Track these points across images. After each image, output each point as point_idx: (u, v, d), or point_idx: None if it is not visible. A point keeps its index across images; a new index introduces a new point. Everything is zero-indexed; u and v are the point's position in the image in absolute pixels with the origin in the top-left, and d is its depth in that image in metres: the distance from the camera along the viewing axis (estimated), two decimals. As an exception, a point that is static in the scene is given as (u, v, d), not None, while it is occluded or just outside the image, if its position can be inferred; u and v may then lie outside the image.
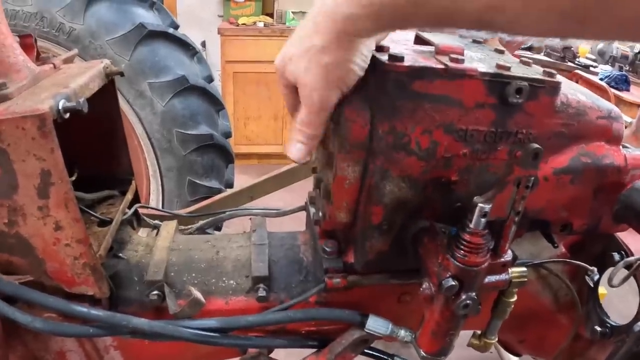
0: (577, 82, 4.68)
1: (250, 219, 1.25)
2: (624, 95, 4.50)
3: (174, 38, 2.75)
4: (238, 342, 1.00)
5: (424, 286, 0.86)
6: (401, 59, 0.77)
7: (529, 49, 5.63)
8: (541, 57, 5.53)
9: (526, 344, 1.39)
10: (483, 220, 0.76)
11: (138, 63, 2.57)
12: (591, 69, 5.23)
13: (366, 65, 0.78)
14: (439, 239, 0.84)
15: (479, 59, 0.86)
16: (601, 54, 5.46)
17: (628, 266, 1.05)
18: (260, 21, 5.29)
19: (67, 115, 0.83)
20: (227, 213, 1.34)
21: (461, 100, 0.79)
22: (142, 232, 1.32)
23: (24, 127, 0.78)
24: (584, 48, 5.50)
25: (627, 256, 1.10)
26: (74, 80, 0.94)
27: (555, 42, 0.68)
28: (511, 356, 1.66)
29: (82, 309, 0.93)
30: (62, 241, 0.90)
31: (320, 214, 0.98)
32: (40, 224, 0.88)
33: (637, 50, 5.00)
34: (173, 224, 1.23)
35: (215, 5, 5.91)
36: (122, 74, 1.11)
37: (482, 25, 0.63)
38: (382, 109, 0.79)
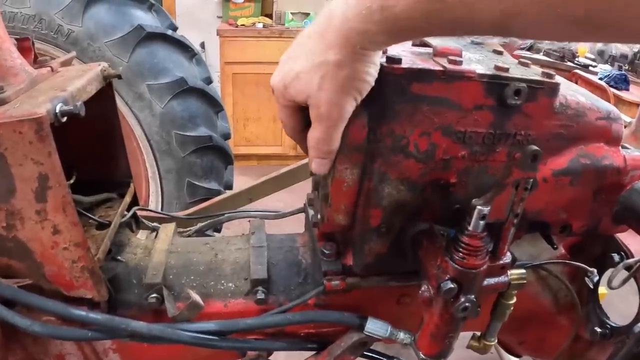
0: (576, 81, 4.69)
1: (249, 221, 1.25)
2: (623, 94, 4.50)
3: (173, 40, 2.74)
4: (237, 345, 1.00)
5: (422, 289, 0.86)
6: (399, 61, 0.76)
7: (528, 48, 5.62)
8: (540, 56, 5.53)
9: (526, 345, 1.38)
10: (482, 222, 0.76)
11: (137, 65, 2.57)
12: (590, 68, 5.22)
13: (377, 71, 0.77)
14: (438, 241, 0.84)
15: (478, 61, 0.86)
16: (600, 53, 5.46)
17: (628, 267, 1.05)
18: (259, 22, 5.29)
19: (65, 119, 0.83)
20: (226, 215, 1.34)
21: (459, 102, 0.79)
22: (141, 234, 1.31)
23: (22, 131, 0.78)
24: (583, 48, 5.50)
25: (627, 257, 1.10)
26: (72, 83, 0.94)
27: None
28: (511, 357, 1.66)
29: (80, 312, 0.92)
30: (60, 245, 0.90)
31: (319, 216, 0.98)
32: (38, 227, 0.88)
33: (636, 50, 5.00)
34: (172, 226, 1.23)
35: (214, 6, 5.91)
36: (119, 77, 1.11)
37: (498, 32, 0.63)
38: (380, 111, 0.79)
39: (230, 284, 1.07)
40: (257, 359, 1.06)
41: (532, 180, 0.75)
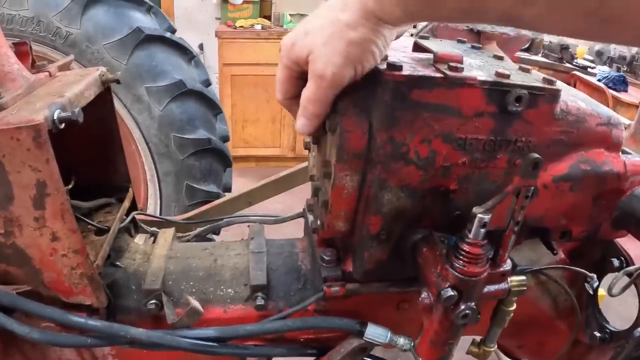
0: (575, 83, 4.69)
1: (248, 226, 1.24)
2: (621, 96, 4.51)
3: (171, 42, 2.74)
4: (236, 351, 1.00)
5: (422, 296, 0.85)
6: (399, 67, 0.76)
7: (528, 50, 5.64)
8: (539, 58, 5.54)
9: (525, 350, 1.38)
10: (482, 230, 0.76)
11: (135, 67, 2.56)
12: (589, 70, 5.24)
13: (384, 54, 0.77)
14: (438, 248, 0.84)
15: (478, 67, 0.86)
16: (599, 54, 5.47)
17: (628, 274, 1.05)
18: (257, 24, 5.29)
19: (62, 125, 0.83)
20: (225, 220, 1.34)
21: (460, 109, 0.79)
22: (140, 239, 1.31)
23: (19, 138, 0.78)
24: (582, 49, 5.52)
25: (627, 262, 1.10)
26: (70, 88, 0.94)
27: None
28: (511, 361, 1.65)
29: (79, 319, 0.92)
30: (59, 252, 0.90)
31: (319, 222, 0.98)
32: (36, 234, 0.88)
33: (634, 51, 5.01)
34: (171, 231, 1.23)
35: (212, 8, 5.91)
36: (118, 82, 1.10)
37: (509, 20, 0.64)
38: (380, 118, 0.78)
39: (230, 290, 1.07)
40: (256, 365, 1.06)
41: (532, 188, 0.75)
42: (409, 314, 1.07)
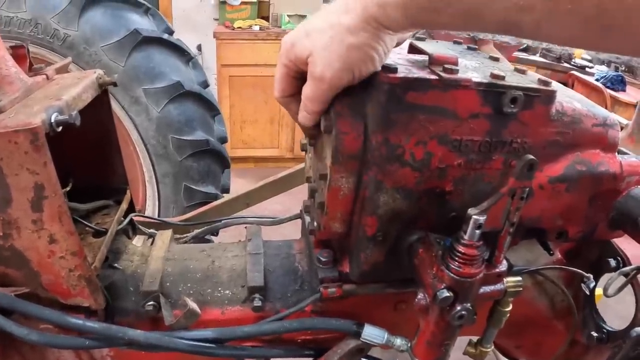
0: (573, 83, 4.70)
1: (245, 227, 1.24)
2: (620, 95, 4.52)
3: (169, 44, 2.74)
4: (234, 352, 1.00)
5: (418, 297, 0.86)
6: (394, 70, 0.76)
7: (525, 50, 5.64)
8: (537, 58, 5.55)
9: (523, 350, 1.39)
10: (477, 232, 0.76)
11: (133, 69, 2.56)
12: (587, 69, 5.24)
13: (385, 60, 0.77)
14: (434, 249, 0.84)
15: (474, 68, 0.86)
16: (597, 54, 5.47)
17: (625, 275, 1.05)
18: (255, 24, 5.29)
19: (60, 128, 0.83)
20: (223, 222, 1.34)
21: (455, 111, 0.79)
22: (137, 240, 1.31)
23: (17, 141, 0.78)
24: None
25: (624, 262, 1.10)
26: (67, 91, 0.94)
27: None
28: (508, 361, 1.66)
29: (77, 321, 0.93)
30: (57, 254, 0.90)
31: (315, 224, 0.98)
32: (34, 237, 0.88)
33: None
34: (168, 233, 1.23)
35: (210, 9, 5.92)
36: (115, 84, 1.10)
37: (509, 27, 0.64)
38: (375, 120, 0.79)
39: (227, 292, 1.07)
40: (254, 366, 1.06)
41: (528, 189, 0.75)
42: (405, 314, 1.07)
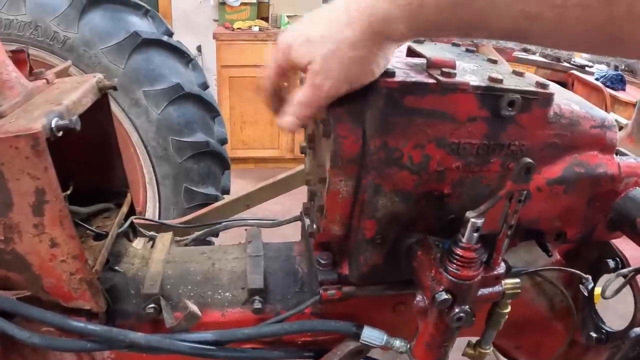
0: (572, 82, 4.69)
1: (245, 229, 1.25)
2: (619, 94, 4.51)
3: (169, 46, 2.74)
4: (234, 354, 1.00)
5: (417, 299, 0.86)
6: (392, 74, 0.77)
7: (525, 50, 5.64)
8: (537, 57, 5.54)
9: (522, 350, 1.39)
10: (475, 235, 0.76)
11: (133, 71, 2.56)
12: (587, 69, 5.24)
13: (384, 69, 0.77)
14: (432, 252, 0.85)
15: (472, 71, 0.86)
16: (597, 54, 5.46)
17: (623, 276, 1.06)
18: (255, 25, 5.30)
19: (60, 133, 0.84)
20: (223, 224, 1.35)
21: (453, 114, 0.79)
22: (138, 243, 1.32)
23: (18, 147, 0.79)
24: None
25: (622, 263, 1.10)
26: (67, 96, 0.94)
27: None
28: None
29: (79, 324, 0.93)
30: (58, 257, 0.91)
31: (315, 226, 0.99)
32: (35, 241, 0.89)
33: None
34: (169, 235, 1.24)
35: (210, 10, 5.91)
36: (115, 88, 1.11)
37: (516, 35, 0.64)
38: (374, 124, 0.79)
39: (228, 294, 1.08)
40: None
41: (525, 192, 0.76)
42: (405, 315, 1.08)
